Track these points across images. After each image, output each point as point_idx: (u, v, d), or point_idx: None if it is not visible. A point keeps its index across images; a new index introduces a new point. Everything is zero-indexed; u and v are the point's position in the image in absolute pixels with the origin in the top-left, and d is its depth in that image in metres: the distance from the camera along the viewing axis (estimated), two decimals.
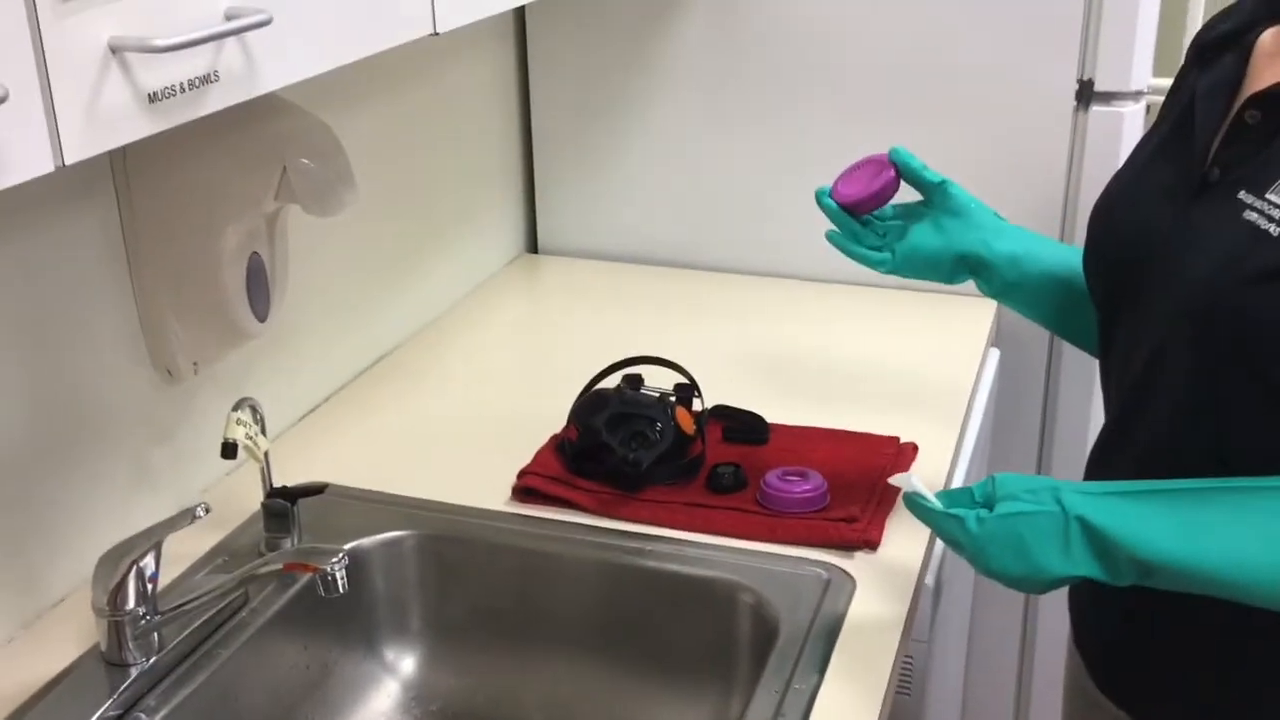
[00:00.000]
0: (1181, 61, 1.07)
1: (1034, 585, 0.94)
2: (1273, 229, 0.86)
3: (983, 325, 1.69)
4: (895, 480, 1.06)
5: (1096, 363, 1.10)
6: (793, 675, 1.05)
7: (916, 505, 1.02)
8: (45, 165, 0.70)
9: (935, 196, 1.22)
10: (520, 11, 1.91)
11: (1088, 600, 1.11)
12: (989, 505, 0.97)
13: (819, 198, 1.26)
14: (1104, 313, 1.06)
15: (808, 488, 1.26)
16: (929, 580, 1.24)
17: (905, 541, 1.23)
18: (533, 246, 2.05)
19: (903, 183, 1.23)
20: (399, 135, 1.64)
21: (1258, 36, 0.96)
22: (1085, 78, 1.68)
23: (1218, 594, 0.89)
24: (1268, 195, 0.87)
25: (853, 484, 1.29)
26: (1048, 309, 1.21)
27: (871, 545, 1.22)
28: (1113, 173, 1.09)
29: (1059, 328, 1.24)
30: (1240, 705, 0.99)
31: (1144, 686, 1.05)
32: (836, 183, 1.26)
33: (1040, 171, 1.73)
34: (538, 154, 1.98)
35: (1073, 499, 0.92)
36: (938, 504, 1.00)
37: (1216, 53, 0.99)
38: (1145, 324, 0.97)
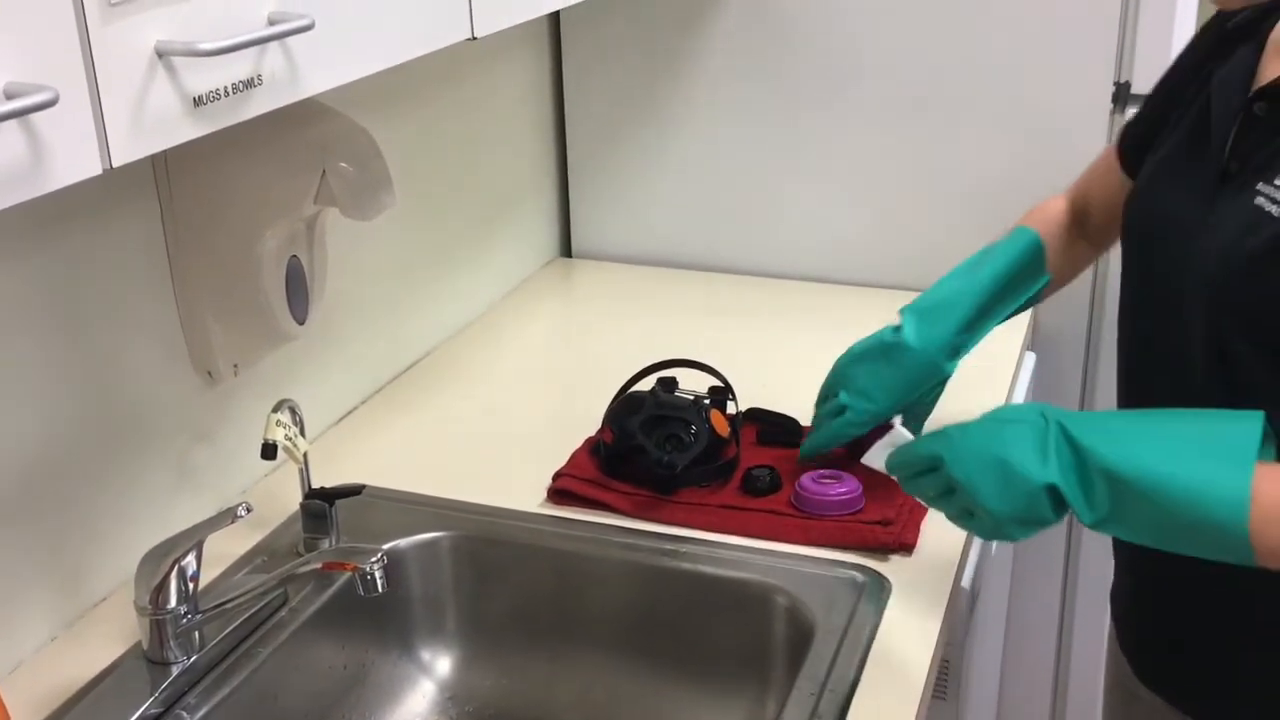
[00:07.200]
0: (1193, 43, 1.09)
1: (1011, 502, 0.89)
2: (1275, 210, 0.88)
3: (1019, 329, 1.68)
4: (870, 459, 1.05)
5: None
6: (828, 678, 1.05)
7: (899, 453, 1.01)
8: (93, 167, 0.71)
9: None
10: (555, 18, 1.92)
11: (1127, 593, 1.10)
12: None
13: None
14: (1132, 294, 1.07)
15: (842, 490, 1.26)
16: (965, 583, 1.24)
17: (941, 545, 1.22)
18: (567, 250, 2.05)
19: None
20: (436, 140, 1.65)
21: (1273, 27, 0.97)
22: (1121, 80, 1.67)
23: (1174, 537, 0.85)
24: (1276, 182, 0.89)
25: (888, 486, 1.28)
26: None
27: (907, 548, 1.21)
28: (1149, 175, 1.10)
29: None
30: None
31: (1184, 676, 1.04)
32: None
33: (1075, 175, 1.72)
34: (572, 159, 1.99)
35: (1055, 410, 0.91)
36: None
37: (1233, 44, 1.00)
38: (1169, 305, 0.98)
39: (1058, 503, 0.88)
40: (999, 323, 1.24)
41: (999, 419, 0.93)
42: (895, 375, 1.20)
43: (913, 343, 1.20)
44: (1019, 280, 1.22)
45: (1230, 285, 0.90)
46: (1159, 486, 0.84)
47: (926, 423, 1.25)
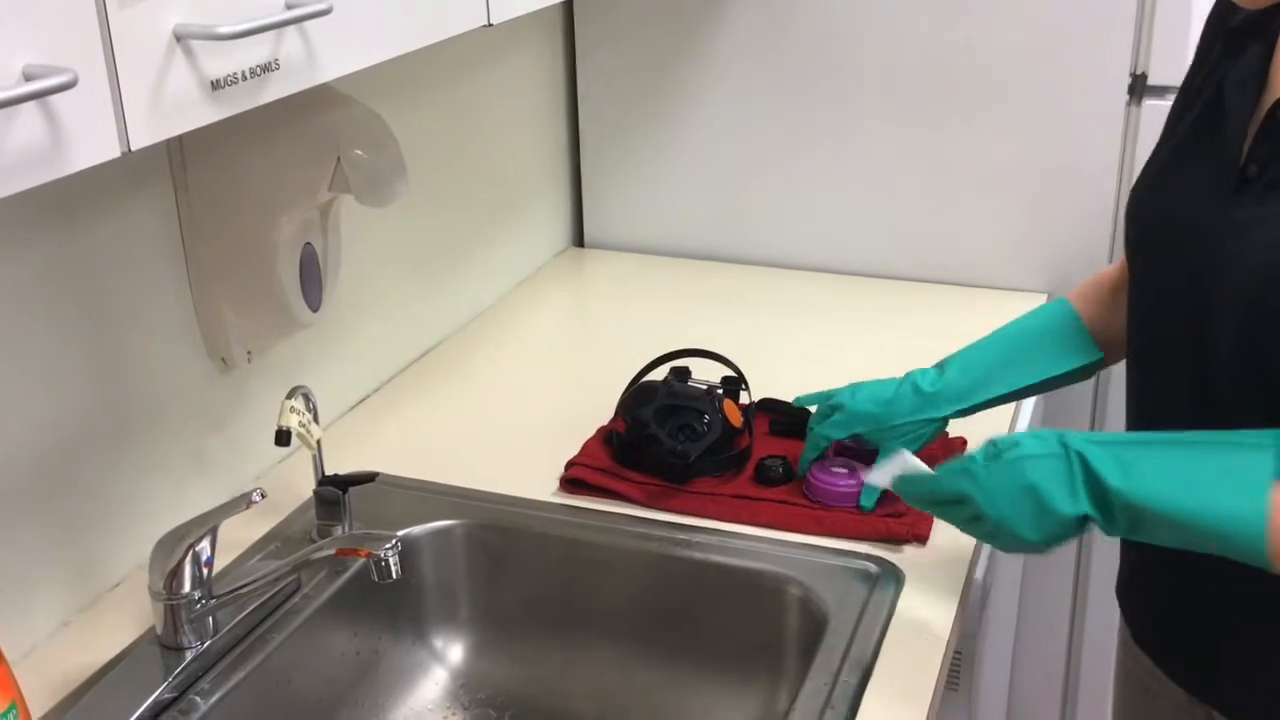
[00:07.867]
0: (1200, 37, 1.07)
1: (1044, 531, 0.93)
2: None
3: None
4: (873, 477, 1.09)
5: None
6: (841, 668, 1.05)
7: (914, 482, 1.03)
8: (112, 150, 0.71)
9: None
10: (568, 6, 1.92)
11: (1143, 585, 1.10)
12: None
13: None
14: (1144, 294, 1.06)
15: (855, 481, 1.25)
16: (978, 575, 1.24)
17: (954, 536, 1.21)
18: (579, 240, 2.05)
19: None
20: (449, 128, 1.65)
21: None
22: (1138, 71, 1.66)
23: (1196, 547, 0.89)
24: None
25: None
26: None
27: (920, 539, 1.21)
28: (1153, 170, 1.08)
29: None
30: None
31: (1207, 667, 1.04)
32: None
33: (1092, 167, 1.72)
34: (584, 148, 1.98)
35: (1074, 438, 0.93)
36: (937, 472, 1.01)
37: (1242, 40, 0.99)
38: (1189, 307, 0.97)
39: (1083, 523, 0.93)
40: (1028, 385, 1.21)
41: (1023, 455, 0.94)
42: (891, 396, 1.22)
43: (916, 376, 1.23)
44: (1046, 343, 1.20)
45: (1273, 296, 0.90)
46: (1177, 520, 0.88)
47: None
